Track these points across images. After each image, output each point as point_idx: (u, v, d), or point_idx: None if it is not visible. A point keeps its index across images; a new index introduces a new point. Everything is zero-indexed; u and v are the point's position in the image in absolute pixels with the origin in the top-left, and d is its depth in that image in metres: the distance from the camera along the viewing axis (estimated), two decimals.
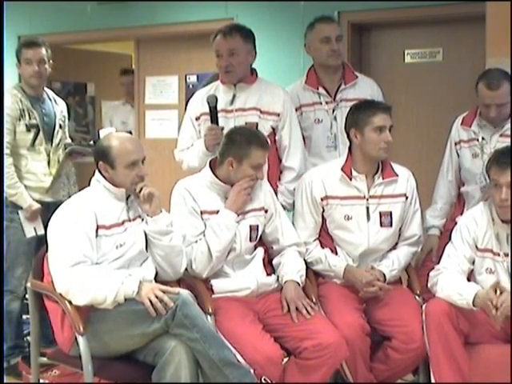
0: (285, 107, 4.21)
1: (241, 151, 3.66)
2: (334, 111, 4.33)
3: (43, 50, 4.56)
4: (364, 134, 3.77)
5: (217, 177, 3.73)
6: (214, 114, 4.07)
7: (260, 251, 3.84)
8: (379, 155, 3.80)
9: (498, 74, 3.98)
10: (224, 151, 3.73)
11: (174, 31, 6.36)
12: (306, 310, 3.60)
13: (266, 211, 3.83)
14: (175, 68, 6.59)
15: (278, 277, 3.81)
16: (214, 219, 3.69)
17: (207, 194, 3.73)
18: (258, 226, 3.80)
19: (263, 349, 3.43)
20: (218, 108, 4.10)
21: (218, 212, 3.71)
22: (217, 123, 4.07)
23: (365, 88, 4.39)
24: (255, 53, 4.23)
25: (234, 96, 4.17)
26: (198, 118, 4.22)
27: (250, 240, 3.78)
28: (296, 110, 4.35)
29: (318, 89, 4.35)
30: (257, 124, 4.13)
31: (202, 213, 3.71)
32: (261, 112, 4.17)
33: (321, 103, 4.35)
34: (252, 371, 3.35)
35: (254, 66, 4.29)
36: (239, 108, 4.17)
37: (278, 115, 4.19)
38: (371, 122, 3.75)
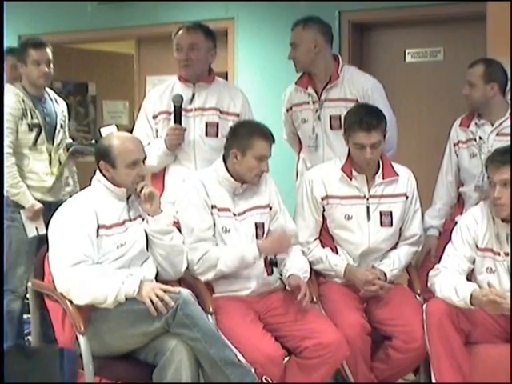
0: (244, 108, 4.22)
1: (243, 142, 3.67)
2: (317, 111, 4.29)
3: (49, 51, 4.58)
4: (349, 142, 3.81)
5: (229, 172, 3.73)
6: (178, 113, 4.06)
7: None
8: (363, 167, 3.82)
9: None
10: (228, 144, 3.74)
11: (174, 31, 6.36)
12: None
13: (271, 208, 3.84)
14: (176, 68, 6.57)
15: (280, 275, 3.81)
16: (241, 245, 3.67)
17: (218, 189, 3.73)
18: (263, 224, 3.80)
19: (264, 348, 3.43)
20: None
21: (225, 209, 3.70)
22: (180, 123, 4.07)
23: (353, 87, 4.25)
24: (215, 53, 4.22)
25: (193, 95, 4.15)
26: (155, 117, 4.17)
27: (257, 237, 3.77)
28: (287, 110, 4.38)
29: (307, 88, 4.32)
30: (217, 124, 4.13)
31: (212, 207, 3.70)
32: (220, 112, 4.16)
33: (308, 103, 4.32)
34: (253, 370, 3.36)
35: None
36: (199, 107, 4.15)
37: (238, 115, 4.19)
38: (349, 135, 3.77)
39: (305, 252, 3.88)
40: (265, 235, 3.81)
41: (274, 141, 3.74)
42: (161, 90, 4.23)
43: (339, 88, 4.24)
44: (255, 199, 3.80)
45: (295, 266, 3.75)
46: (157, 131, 4.18)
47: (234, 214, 3.73)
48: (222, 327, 3.49)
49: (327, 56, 4.29)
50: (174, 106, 4.07)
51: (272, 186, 3.87)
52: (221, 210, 3.71)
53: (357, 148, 3.76)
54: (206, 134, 4.13)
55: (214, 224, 3.71)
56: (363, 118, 3.74)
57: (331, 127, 4.23)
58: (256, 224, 3.77)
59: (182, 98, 4.08)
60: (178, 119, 4.07)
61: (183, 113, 4.11)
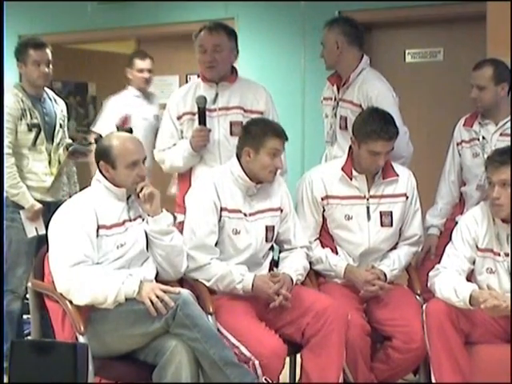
0: (267, 105, 4.21)
1: (256, 140, 3.67)
2: (333, 108, 4.32)
3: (49, 51, 4.58)
4: (360, 147, 3.79)
5: (243, 171, 3.72)
6: (202, 114, 4.06)
7: (271, 253, 3.86)
8: (369, 170, 3.83)
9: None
10: (241, 143, 3.74)
11: (174, 31, 6.36)
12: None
13: (282, 211, 3.83)
14: (176, 68, 6.60)
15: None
16: (237, 271, 3.63)
17: (231, 189, 3.72)
18: (274, 227, 3.80)
19: (268, 342, 3.44)
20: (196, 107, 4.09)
21: (236, 211, 3.70)
22: (205, 124, 4.07)
23: (360, 92, 4.24)
24: (237, 52, 4.23)
25: (216, 95, 4.15)
26: (179, 118, 4.18)
27: (267, 240, 3.78)
28: (321, 102, 4.41)
29: (333, 85, 4.34)
30: (241, 122, 4.11)
31: (221, 209, 3.69)
32: (244, 111, 4.15)
33: (331, 99, 4.36)
34: (257, 363, 3.37)
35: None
36: (222, 107, 4.14)
37: (262, 113, 4.18)
38: (365, 142, 3.75)
39: (309, 255, 3.86)
40: (274, 238, 3.81)
41: (287, 138, 3.74)
42: (184, 91, 4.24)
43: (351, 90, 4.25)
44: (268, 201, 3.79)
45: (291, 265, 3.76)
46: (182, 132, 4.19)
47: (245, 215, 3.72)
48: (224, 324, 3.50)
49: (350, 57, 4.27)
50: (198, 108, 4.07)
51: (284, 188, 3.87)
52: (231, 211, 3.70)
53: (371, 155, 3.76)
54: (231, 134, 4.11)
55: (223, 227, 3.69)
56: (383, 126, 3.73)
57: (340, 127, 4.27)
58: (267, 227, 3.77)
59: (205, 99, 4.07)
60: (202, 120, 4.07)
61: (208, 113, 4.11)
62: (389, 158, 3.89)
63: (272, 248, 3.90)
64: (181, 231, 3.73)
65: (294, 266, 3.76)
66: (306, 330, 3.56)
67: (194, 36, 4.17)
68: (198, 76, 4.29)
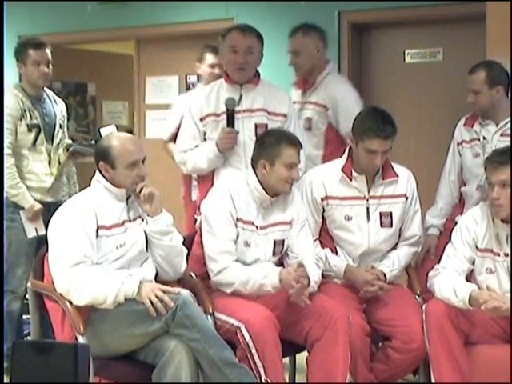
0: (290, 108, 4.22)
1: (271, 151, 3.63)
2: (299, 111, 4.49)
3: (48, 51, 4.58)
4: (358, 146, 3.79)
5: (260, 183, 3.67)
6: (231, 116, 4.04)
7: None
8: (367, 170, 3.82)
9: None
10: (256, 155, 3.70)
11: (174, 31, 6.37)
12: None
13: (292, 223, 3.77)
14: (175, 68, 6.60)
15: None
16: (263, 270, 3.58)
17: (246, 200, 3.67)
18: (283, 241, 3.76)
19: (256, 308, 3.47)
20: (223, 109, 4.08)
21: (249, 222, 3.65)
22: (233, 126, 4.05)
23: (325, 92, 4.48)
24: (262, 55, 4.23)
25: (240, 96, 4.12)
26: (202, 119, 4.15)
27: (274, 254, 3.74)
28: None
29: (299, 89, 4.54)
30: (266, 125, 4.12)
31: (237, 219, 3.65)
32: (268, 113, 4.15)
33: (298, 102, 4.50)
34: (244, 327, 3.38)
35: None
36: (247, 109, 4.12)
37: (285, 116, 4.18)
38: (362, 140, 3.75)
39: (319, 266, 3.78)
40: (283, 251, 3.78)
41: (301, 147, 3.71)
42: (206, 92, 4.20)
43: (316, 92, 4.47)
44: (280, 215, 3.74)
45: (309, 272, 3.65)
46: (204, 133, 4.15)
47: (257, 228, 3.69)
48: (217, 308, 3.52)
49: (322, 61, 4.50)
50: (227, 110, 4.05)
51: (297, 199, 3.81)
52: (245, 222, 3.67)
53: (368, 153, 3.75)
54: (256, 135, 4.08)
55: (237, 236, 3.67)
56: (380, 125, 3.72)
57: (305, 128, 4.46)
58: (275, 241, 3.72)
59: (234, 101, 4.06)
60: (231, 122, 4.05)
61: None
62: (388, 158, 3.89)
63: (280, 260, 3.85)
64: (201, 234, 3.74)
65: (310, 271, 3.65)
66: (309, 333, 3.53)
67: (222, 35, 4.14)
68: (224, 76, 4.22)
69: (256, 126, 4.12)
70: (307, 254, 3.76)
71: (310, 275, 3.59)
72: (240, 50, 4.07)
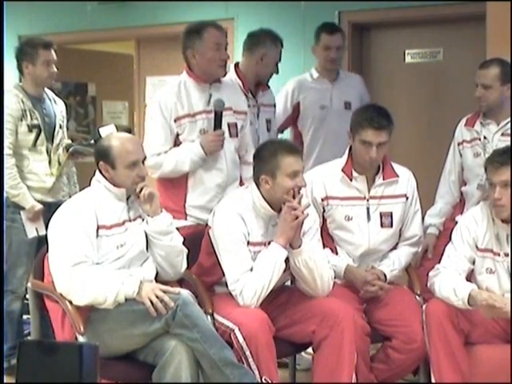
0: (246, 105, 4.28)
1: (270, 165, 3.52)
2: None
3: (54, 51, 4.59)
4: (354, 140, 3.80)
5: (265, 199, 3.58)
6: (219, 119, 4.00)
7: (288, 277, 3.77)
8: (365, 167, 3.82)
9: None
10: (256, 172, 3.60)
11: (174, 31, 6.32)
12: None
13: (304, 235, 3.67)
14: (175, 68, 6.54)
15: (291, 282, 3.78)
16: (262, 254, 3.51)
17: (254, 220, 3.58)
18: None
19: (252, 310, 3.44)
20: (197, 110, 4.04)
21: (260, 243, 3.57)
22: (220, 128, 4.02)
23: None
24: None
25: (210, 96, 4.08)
26: (177, 120, 4.04)
27: (284, 271, 3.62)
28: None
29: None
30: (235, 124, 4.11)
31: (248, 243, 3.57)
32: (233, 112, 4.13)
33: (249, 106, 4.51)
34: (237, 329, 3.36)
35: None
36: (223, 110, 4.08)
37: (246, 114, 4.21)
38: (358, 132, 3.76)
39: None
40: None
41: (299, 153, 3.61)
42: (175, 91, 4.07)
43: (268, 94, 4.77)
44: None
45: None
46: (177, 135, 4.06)
47: (265, 245, 3.61)
48: (215, 307, 3.53)
49: None
50: (215, 111, 4.00)
51: (308, 212, 3.59)
52: (256, 244, 3.58)
53: (363, 146, 3.74)
54: (230, 135, 4.09)
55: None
56: (374, 116, 3.73)
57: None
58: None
59: (223, 102, 4.01)
60: (218, 124, 4.00)
61: (205, 115, 4.04)
62: (388, 158, 3.89)
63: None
64: (199, 233, 3.75)
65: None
66: (315, 332, 3.51)
67: (194, 33, 4.05)
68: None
69: (229, 125, 4.09)
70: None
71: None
72: (222, 48, 4.05)
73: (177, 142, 4.07)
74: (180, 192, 4.07)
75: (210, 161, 4.06)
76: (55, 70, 4.57)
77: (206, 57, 4.02)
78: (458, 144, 4.24)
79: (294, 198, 3.50)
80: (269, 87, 4.77)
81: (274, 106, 4.82)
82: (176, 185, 4.09)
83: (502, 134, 4.09)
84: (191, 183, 4.08)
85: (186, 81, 4.10)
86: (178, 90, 4.08)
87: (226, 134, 4.06)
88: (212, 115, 4.03)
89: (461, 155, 4.22)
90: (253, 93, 4.62)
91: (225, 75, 4.17)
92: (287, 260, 3.58)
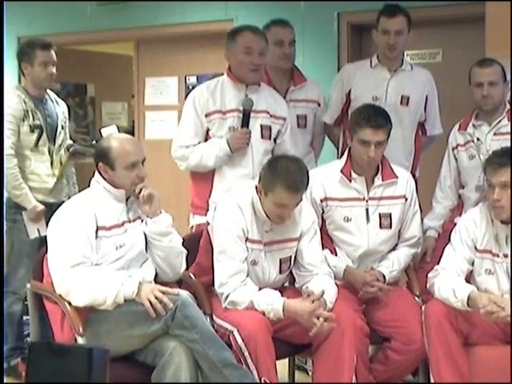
0: (287, 113, 4.25)
1: (267, 183, 3.54)
2: None
3: (53, 52, 4.59)
4: (353, 139, 3.81)
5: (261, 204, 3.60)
6: (247, 117, 4.03)
7: (287, 279, 3.81)
8: (364, 167, 3.82)
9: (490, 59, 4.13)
10: (260, 177, 3.63)
11: (173, 32, 6.37)
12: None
13: (302, 236, 3.73)
14: (175, 69, 6.60)
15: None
16: (269, 297, 3.48)
17: (253, 217, 3.62)
18: (290, 257, 3.71)
19: (250, 312, 3.45)
20: (229, 107, 4.08)
21: (257, 241, 3.60)
22: (247, 126, 4.04)
23: (313, 91, 4.57)
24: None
25: (245, 96, 4.10)
26: (208, 115, 4.10)
27: (280, 272, 3.70)
28: None
29: None
30: (270, 127, 4.13)
31: (246, 239, 3.60)
32: (270, 116, 4.16)
33: None
34: (236, 331, 3.37)
35: None
36: (252, 110, 4.10)
37: (284, 119, 4.21)
38: (356, 131, 3.77)
39: (331, 276, 3.73)
40: (290, 267, 3.74)
41: (299, 190, 3.53)
42: (211, 88, 4.14)
43: (303, 90, 4.58)
44: (286, 232, 3.67)
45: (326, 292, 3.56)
46: (207, 130, 4.11)
47: (264, 245, 3.64)
48: (214, 309, 3.54)
49: None
50: (244, 110, 4.03)
51: (306, 212, 3.71)
52: (253, 242, 3.62)
53: (361, 145, 3.75)
54: (262, 137, 4.10)
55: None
56: (372, 115, 3.75)
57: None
58: (281, 260, 3.68)
59: (252, 101, 4.04)
60: (246, 123, 4.04)
61: (237, 114, 4.07)
62: (386, 159, 3.89)
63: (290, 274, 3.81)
64: (199, 234, 3.75)
65: (328, 295, 3.56)
66: (315, 335, 3.49)
67: (231, 35, 4.12)
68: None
69: (261, 127, 4.12)
70: (319, 264, 3.72)
71: (327, 297, 3.53)
72: (255, 52, 4.06)
73: (207, 138, 4.13)
74: (206, 188, 4.10)
75: (237, 159, 4.08)
76: (54, 71, 4.56)
77: (237, 59, 4.10)
78: (453, 149, 4.24)
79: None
80: (305, 80, 4.56)
81: (314, 101, 4.56)
82: (203, 181, 4.14)
83: (495, 134, 4.09)
84: (216, 180, 4.11)
85: (224, 80, 4.17)
86: (213, 87, 4.15)
87: (258, 135, 4.09)
88: None
89: (456, 159, 4.22)
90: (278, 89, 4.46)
91: (259, 80, 4.16)
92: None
